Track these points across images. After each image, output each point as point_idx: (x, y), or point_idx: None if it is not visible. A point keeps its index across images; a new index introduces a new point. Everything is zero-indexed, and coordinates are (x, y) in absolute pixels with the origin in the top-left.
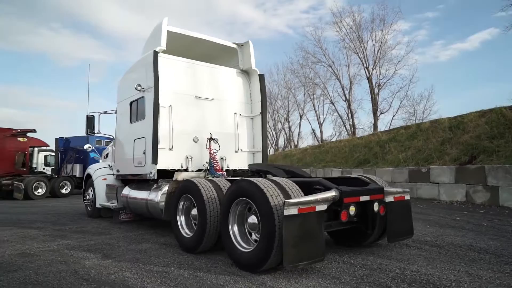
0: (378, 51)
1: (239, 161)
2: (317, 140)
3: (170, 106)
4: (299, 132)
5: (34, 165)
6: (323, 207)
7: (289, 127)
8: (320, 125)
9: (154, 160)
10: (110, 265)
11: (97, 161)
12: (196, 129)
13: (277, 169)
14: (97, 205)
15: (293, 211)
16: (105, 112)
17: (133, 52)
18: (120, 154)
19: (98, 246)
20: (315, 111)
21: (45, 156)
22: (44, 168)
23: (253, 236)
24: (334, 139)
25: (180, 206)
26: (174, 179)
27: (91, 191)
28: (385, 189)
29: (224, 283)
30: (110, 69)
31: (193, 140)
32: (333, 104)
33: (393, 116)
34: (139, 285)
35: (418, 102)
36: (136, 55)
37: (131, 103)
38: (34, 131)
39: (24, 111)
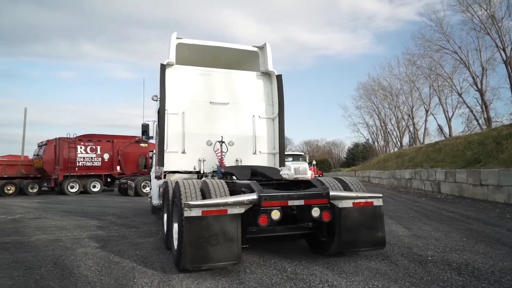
0: None
1: (257, 163)
2: (444, 137)
3: (183, 112)
4: (425, 129)
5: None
6: (239, 210)
7: (413, 124)
8: (448, 120)
9: (161, 163)
10: (91, 253)
11: None
12: (211, 132)
13: (243, 171)
14: (152, 203)
15: (196, 212)
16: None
17: None
18: (155, 158)
19: (111, 238)
20: (441, 105)
21: None
22: None
23: None
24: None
25: (165, 204)
26: (166, 179)
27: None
28: (332, 193)
29: (139, 276)
30: None
31: (207, 143)
32: (460, 96)
33: None
34: (81, 270)
35: None
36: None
37: (157, 112)
38: (152, 137)
39: None
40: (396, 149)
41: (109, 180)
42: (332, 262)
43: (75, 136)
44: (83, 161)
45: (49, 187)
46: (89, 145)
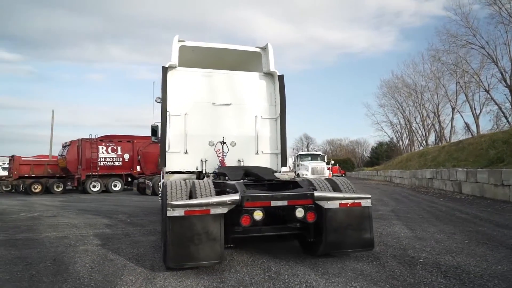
0: None
1: (259, 163)
2: (471, 135)
3: (186, 114)
4: (452, 127)
5: None
6: (222, 210)
7: (439, 122)
8: (476, 117)
9: (163, 164)
10: (91, 250)
11: None
12: (213, 133)
13: (236, 171)
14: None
15: (178, 212)
16: None
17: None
18: None
19: (115, 235)
20: (468, 102)
21: None
22: None
23: None
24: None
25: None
26: (164, 179)
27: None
28: (317, 194)
29: (127, 273)
30: None
31: (209, 144)
32: (488, 92)
33: None
34: (76, 267)
35: None
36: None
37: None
38: None
39: None
40: (421, 148)
41: (129, 179)
42: (319, 263)
43: (96, 136)
44: (105, 161)
45: (73, 186)
46: (110, 146)
